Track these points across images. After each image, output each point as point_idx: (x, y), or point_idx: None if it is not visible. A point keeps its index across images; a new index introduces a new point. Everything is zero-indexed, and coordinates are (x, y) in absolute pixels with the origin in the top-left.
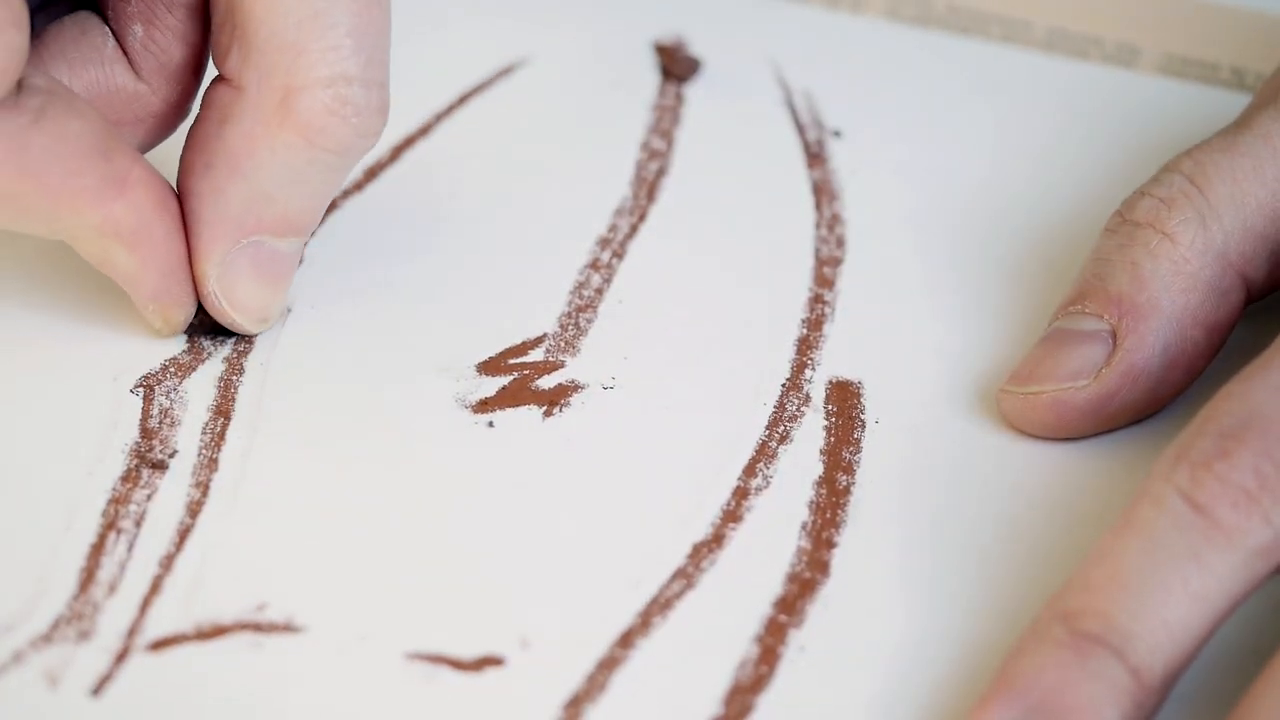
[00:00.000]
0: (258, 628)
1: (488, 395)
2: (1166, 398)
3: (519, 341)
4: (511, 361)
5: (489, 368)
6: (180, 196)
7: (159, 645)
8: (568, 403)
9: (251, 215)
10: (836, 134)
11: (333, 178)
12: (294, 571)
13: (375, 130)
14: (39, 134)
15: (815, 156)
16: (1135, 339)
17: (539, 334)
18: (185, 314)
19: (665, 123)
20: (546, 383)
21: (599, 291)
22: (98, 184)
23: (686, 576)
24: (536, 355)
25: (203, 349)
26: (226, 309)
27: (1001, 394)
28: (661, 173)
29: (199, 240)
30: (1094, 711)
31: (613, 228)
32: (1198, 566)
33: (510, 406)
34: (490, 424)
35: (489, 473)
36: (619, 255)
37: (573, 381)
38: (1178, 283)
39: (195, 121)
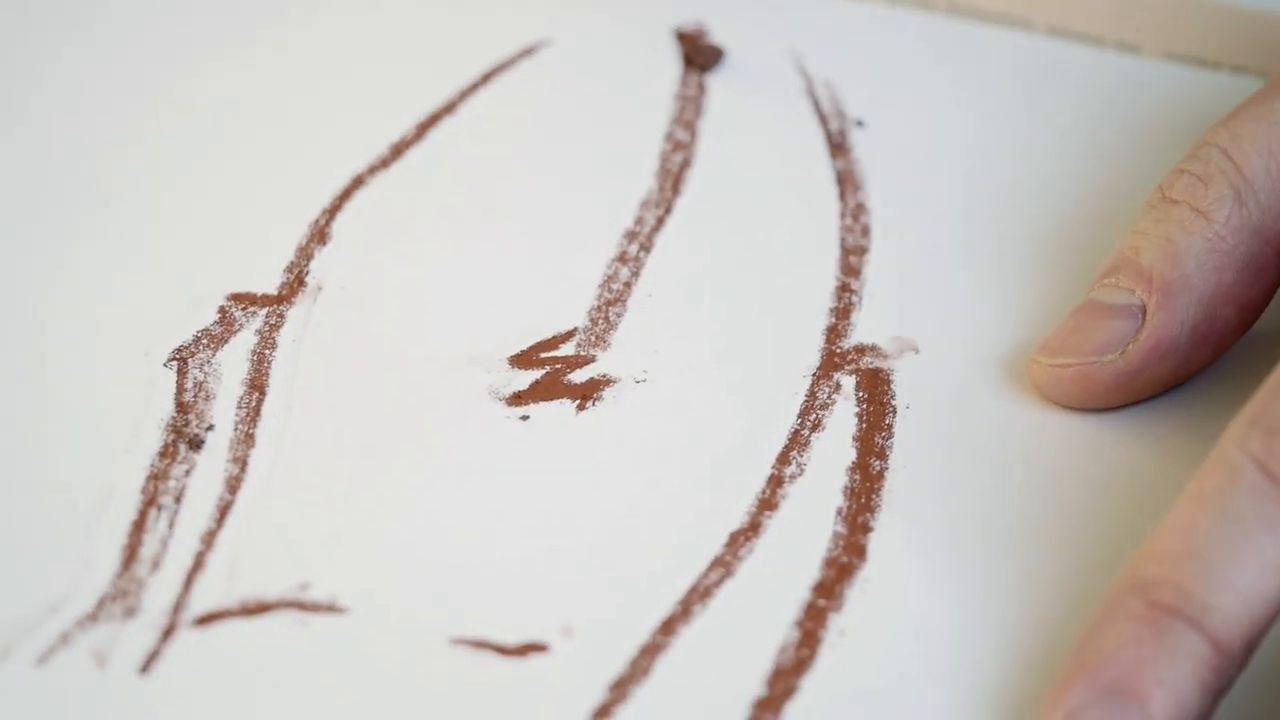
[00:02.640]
0: (302, 606)
1: (520, 389)
2: (1193, 372)
3: (550, 335)
4: (543, 355)
5: (521, 361)
6: None
7: (205, 620)
8: (600, 396)
9: None
10: (859, 124)
11: None
12: (334, 554)
13: None
14: None
15: (838, 147)
16: (1164, 316)
17: (569, 328)
18: None
19: (688, 113)
20: (578, 377)
21: (628, 285)
22: None
23: (725, 565)
24: (567, 349)
25: (234, 320)
26: None
27: (1031, 364)
28: (686, 165)
29: None
30: (1173, 687)
31: (639, 220)
32: (1273, 537)
33: (543, 400)
34: (524, 417)
35: (525, 465)
36: (646, 248)
37: (604, 375)
38: (1211, 260)
39: None
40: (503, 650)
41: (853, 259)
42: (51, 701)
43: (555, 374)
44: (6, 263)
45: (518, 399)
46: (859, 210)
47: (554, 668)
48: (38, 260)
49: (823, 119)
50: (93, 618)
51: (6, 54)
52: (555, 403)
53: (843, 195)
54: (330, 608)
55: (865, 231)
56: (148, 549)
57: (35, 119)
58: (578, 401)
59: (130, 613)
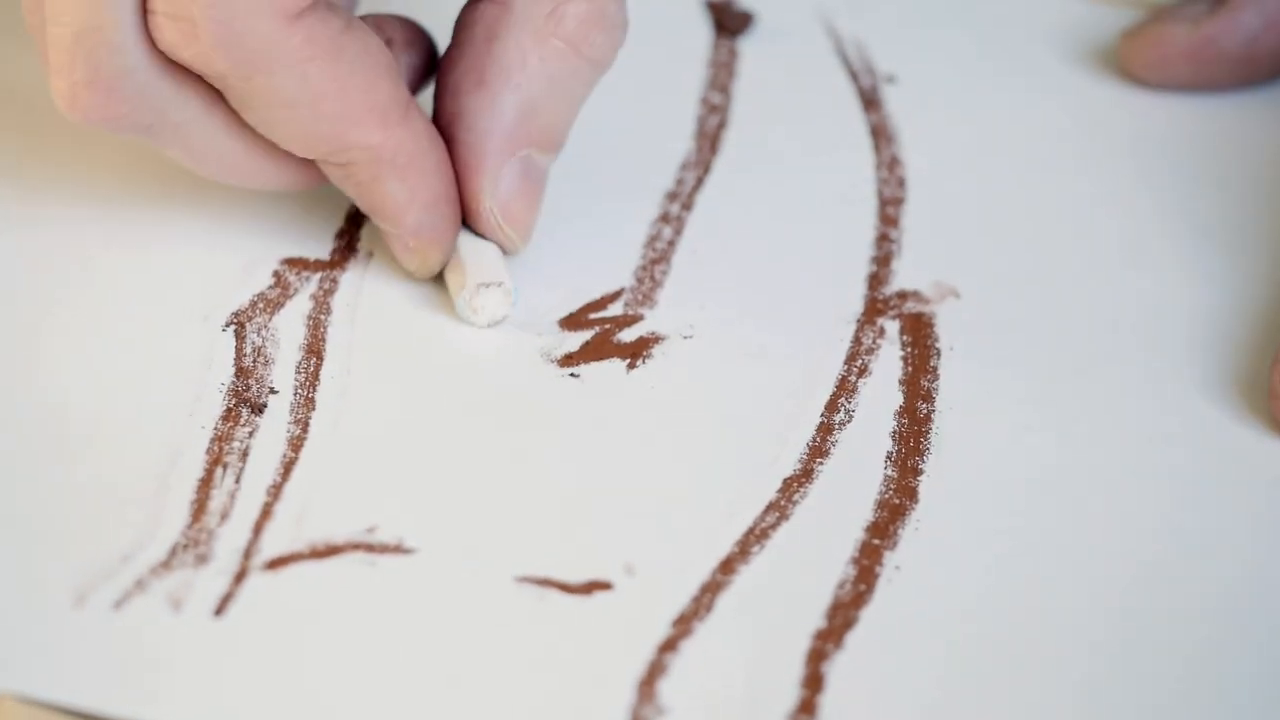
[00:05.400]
0: (369, 548)
1: (571, 350)
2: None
3: (597, 296)
4: (592, 316)
5: (570, 323)
6: (444, 122)
7: (275, 564)
8: (650, 354)
9: (522, 128)
10: (890, 80)
11: (585, 91)
12: (400, 500)
13: (620, 43)
14: (350, 41)
15: (870, 102)
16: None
17: (616, 288)
18: (442, 255)
19: (722, 78)
20: (628, 335)
21: (671, 244)
22: (385, 105)
23: (780, 509)
24: (615, 309)
25: (289, 284)
26: (502, 224)
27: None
28: (722, 126)
29: (474, 157)
30: None
31: (679, 181)
32: None
33: (594, 360)
34: (575, 375)
35: (580, 419)
36: (687, 207)
37: (653, 334)
38: None
39: (454, 46)
40: (567, 588)
41: (890, 209)
42: (128, 644)
43: (605, 334)
44: (65, 234)
45: (569, 360)
46: (894, 163)
47: (618, 604)
48: (95, 231)
49: (854, 76)
50: (166, 565)
51: None
52: (606, 362)
53: (877, 148)
54: (397, 549)
55: (901, 183)
56: (216, 502)
57: None
58: (628, 360)
59: (202, 560)
